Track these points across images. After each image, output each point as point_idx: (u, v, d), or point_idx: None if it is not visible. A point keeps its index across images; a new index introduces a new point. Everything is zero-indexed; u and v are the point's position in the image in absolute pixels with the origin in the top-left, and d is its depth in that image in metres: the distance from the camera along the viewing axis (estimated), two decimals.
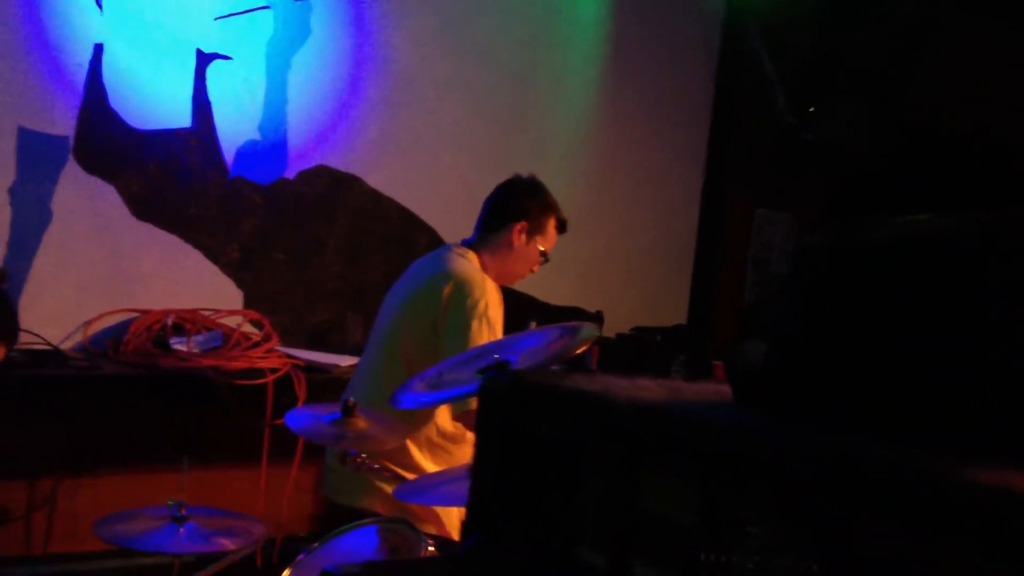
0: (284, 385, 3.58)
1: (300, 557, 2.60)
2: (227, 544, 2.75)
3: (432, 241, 4.25)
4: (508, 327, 3.05)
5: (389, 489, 2.87)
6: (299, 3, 4.02)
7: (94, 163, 3.69)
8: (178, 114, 3.83)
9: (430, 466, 3.00)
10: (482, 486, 1.29)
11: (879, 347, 0.98)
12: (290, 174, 4.07)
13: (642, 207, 4.85)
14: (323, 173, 4.13)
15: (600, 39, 4.72)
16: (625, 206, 4.81)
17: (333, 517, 3.01)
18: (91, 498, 3.48)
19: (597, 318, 4.16)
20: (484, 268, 3.07)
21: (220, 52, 3.88)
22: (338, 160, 4.16)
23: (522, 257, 3.13)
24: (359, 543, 2.68)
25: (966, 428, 0.94)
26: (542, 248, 3.15)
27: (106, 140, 3.70)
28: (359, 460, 2.78)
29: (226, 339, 3.66)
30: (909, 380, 0.95)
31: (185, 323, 3.69)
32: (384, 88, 4.21)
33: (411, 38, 4.26)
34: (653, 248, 4.90)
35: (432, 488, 2.66)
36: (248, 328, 3.86)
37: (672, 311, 4.89)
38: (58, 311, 3.62)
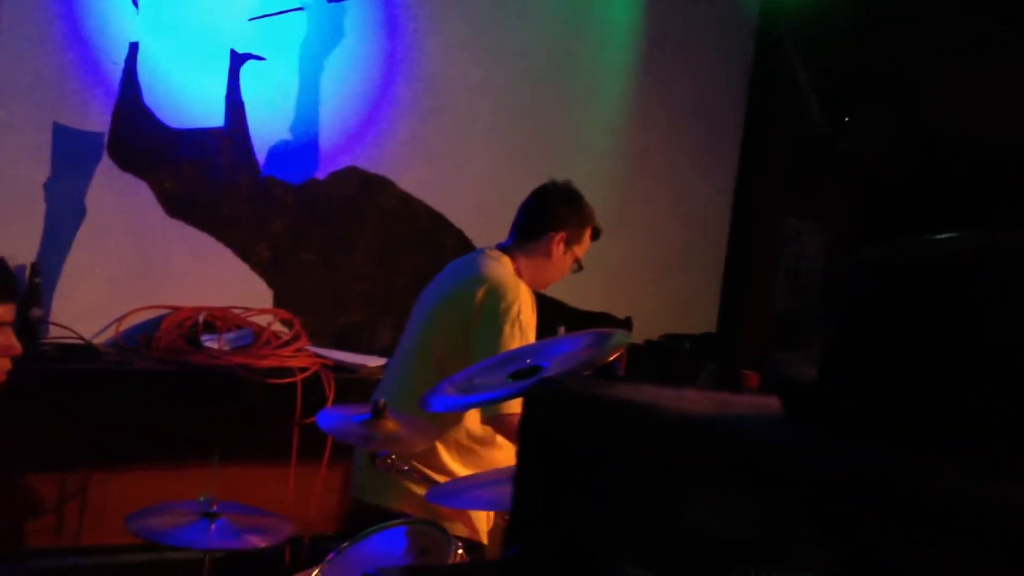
0: (313, 384, 3.60)
1: (330, 557, 2.61)
2: (256, 541, 2.76)
3: (461, 244, 4.26)
4: (537, 332, 3.05)
5: (418, 490, 2.88)
6: (333, 5, 4.04)
7: (128, 160, 3.72)
8: (211, 113, 3.86)
9: (459, 468, 3.00)
10: (525, 495, 1.29)
11: (938, 365, 0.98)
12: (321, 175, 4.09)
13: (673, 213, 4.84)
14: (354, 174, 4.15)
15: (632, 45, 4.71)
16: (656, 212, 4.80)
17: (361, 516, 3.01)
18: (121, 492, 3.51)
19: (626, 324, 4.16)
20: (519, 273, 3.07)
21: (254, 53, 3.90)
22: (369, 162, 4.17)
23: (558, 265, 3.14)
24: (388, 544, 2.69)
25: None
26: (577, 256, 3.16)
27: (140, 138, 3.73)
28: (389, 461, 2.79)
29: (256, 337, 3.68)
30: (968, 398, 0.95)
31: (216, 321, 3.72)
32: (416, 91, 4.23)
33: (443, 41, 4.27)
34: (683, 254, 4.89)
35: (464, 491, 2.66)
36: (278, 327, 3.88)
37: (701, 319, 4.88)
38: (91, 306, 3.65)
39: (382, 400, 2.71)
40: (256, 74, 3.91)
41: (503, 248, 3.13)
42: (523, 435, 1.31)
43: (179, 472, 3.47)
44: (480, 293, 2.94)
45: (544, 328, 3.15)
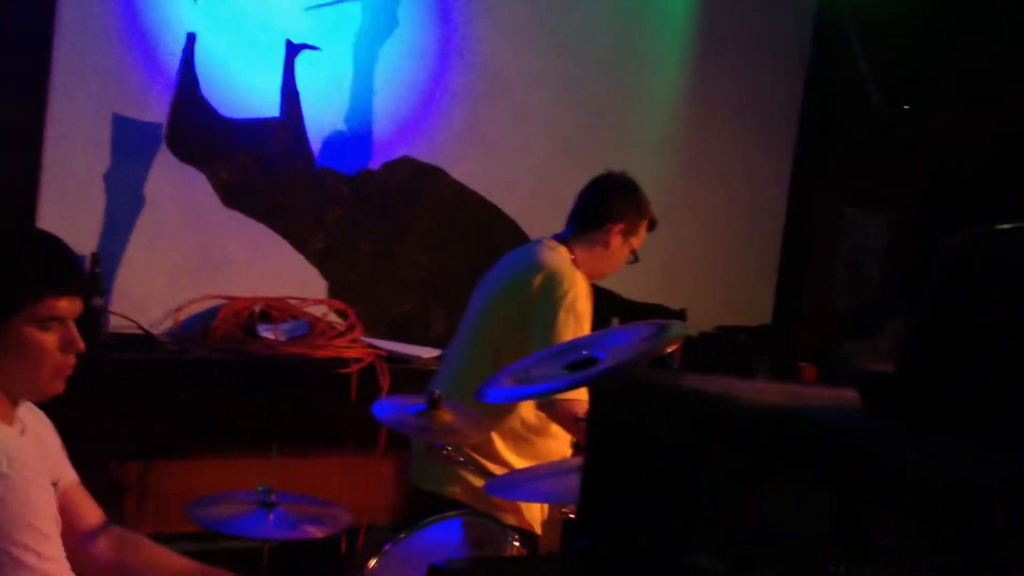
0: (367, 375, 3.60)
1: (387, 547, 2.61)
2: (314, 531, 2.76)
3: (514, 234, 4.24)
4: (592, 324, 3.03)
5: (474, 479, 2.88)
6: None
7: (186, 151, 3.74)
8: (267, 104, 3.87)
9: (514, 458, 3.00)
10: (594, 487, 1.27)
11: None
12: (375, 165, 4.09)
13: (728, 203, 4.79)
14: (407, 164, 4.15)
15: (689, 32, 4.66)
16: (711, 202, 4.75)
17: (417, 503, 3.03)
18: (179, 481, 3.55)
19: (680, 316, 4.12)
20: (576, 263, 3.06)
21: (309, 43, 3.91)
22: (422, 152, 4.16)
23: (615, 256, 3.15)
24: (444, 535, 2.69)
25: None
26: (634, 248, 3.15)
27: (198, 128, 3.75)
28: (445, 452, 2.79)
29: (312, 328, 3.69)
30: None
31: (272, 311, 3.74)
32: (470, 80, 4.21)
33: (498, 30, 4.25)
34: (738, 246, 4.83)
35: (522, 484, 2.65)
36: (333, 317, 3.89)
37: (757, 310, 4.82)
38: (150, 296, 3.69)
39: (437, 391, 2.71)
40: (311, 64, 3.92)
41: (560, 239, 3.13)
42: (591, 427, 1.30)
43: (237, 461, 3.50)
44: (537, 281, 2.95)
45: (597, 319, 3.13)
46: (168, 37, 3.67)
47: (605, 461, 1.26)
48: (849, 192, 4.75)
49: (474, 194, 4.28)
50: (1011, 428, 0.99)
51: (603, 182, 3.17)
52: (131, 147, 3.65)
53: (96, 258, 3.52)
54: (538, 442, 3.05)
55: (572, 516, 2.47)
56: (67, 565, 1.89)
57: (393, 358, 3.75)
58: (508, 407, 2.98)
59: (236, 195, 3.84)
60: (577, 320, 2.92)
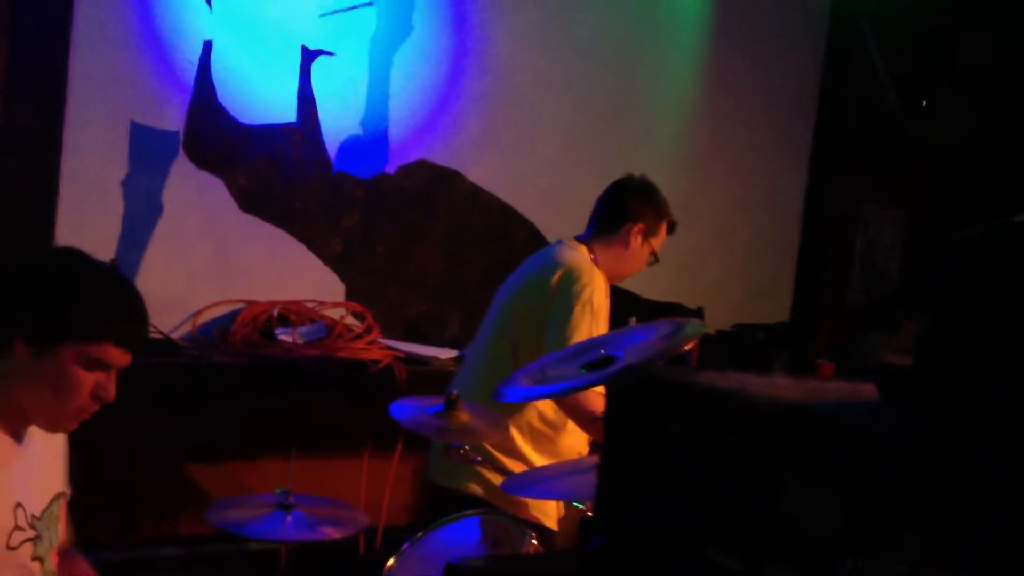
0: (385, 377, 3.62)
1: (404, 547, 2.62)
2: (332, 533, 2.79)
3: (530, 236, 4.24)
4: (609, 323, 3.04)
5: (492, 476, 2.89)
6: (401, 0, 4.05)
7: (203, 157, 3.76)
8: (283, 109, 3.89)
9: (532, 453, 3.01)
10: (610, 485, 1.28)
11: None
12: (391, 169, 4.10)
13: (744, 202, 4.78)
14: (423, 168, 4.16)
15: (702, 31, 4.66)
16: (727, 201, 4.75)
17: (436, 500, 3.04)
18: (199, 483, 3.57)
19: (697, 314, 4.11)
20: (596, 264, 3.09)
21: (324, 48, 3.92)
22: (438, 155, 4.18)
23: (636, 257, 3.18)
24: (462, 534, 2.70)
25: None
26: (654, 249, 3.17)
27: (214, 135, 3.77)
28: (462, 452, 2.80)
29: (330, 331, 3.71)
30: None
31: (290, 314, 3.76)
32: (484, 83, 4.22)
33: (512, 34, 4.26)
34: (755, 244, 4.82)
35: (540, 482, 2.66)
36: (350, 320, 3.90)
37: (775, 308, 4.81)
38: (168, 301, 3.70)
39: (455, 391, 2.72)
40: (327, 70, 3.93)
41: (581, 239, 3.16)
42: (608, 424, 1.30)
43: (256, 464, 3.52)
44: (556, 277, 2.98)
45: (615, 319, 3.14)
46: (184, 45, 3.69)
47: (622, 459, 1.26)
48: (865, 189, 4.73)
49: (490, 196, 4.28)
50: None
51: (622, 184, 3.22)
52: (148, 154, 3.67)
53: (115, 264, 3.54)
54: (556, 438, 3.06)
55: (589, 513, 2.47)
56: None
57: (411, 360, 3.76)
58: (525, 405, 2.99)
59: (253, 200, 3.86)
60: (593, 315, 2.93)
